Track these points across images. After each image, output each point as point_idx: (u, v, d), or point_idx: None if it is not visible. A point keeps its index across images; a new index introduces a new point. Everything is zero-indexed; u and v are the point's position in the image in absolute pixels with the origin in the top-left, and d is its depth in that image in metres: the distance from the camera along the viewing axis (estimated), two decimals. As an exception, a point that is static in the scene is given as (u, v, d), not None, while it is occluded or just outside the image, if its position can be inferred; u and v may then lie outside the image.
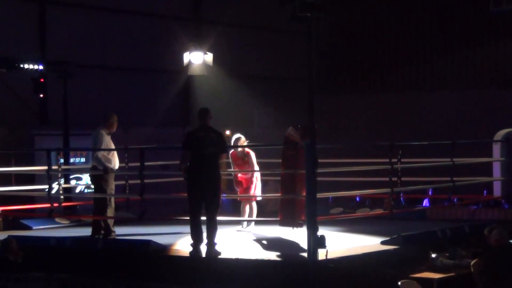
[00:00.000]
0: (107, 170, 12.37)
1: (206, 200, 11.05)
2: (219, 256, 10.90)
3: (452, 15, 24.29)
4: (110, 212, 12.57)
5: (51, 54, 19.56)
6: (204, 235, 11.04)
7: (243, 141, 13.21)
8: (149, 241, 11.61)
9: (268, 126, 23.16)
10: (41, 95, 17.86)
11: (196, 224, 11.05)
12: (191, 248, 11.01)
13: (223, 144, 11.37)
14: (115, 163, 12.58)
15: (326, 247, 9.99)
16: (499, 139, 16.10)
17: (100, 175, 12.47)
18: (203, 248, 10.99)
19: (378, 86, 24.93)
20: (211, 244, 10.96)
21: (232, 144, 13.06)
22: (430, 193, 17.84)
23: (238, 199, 13.72)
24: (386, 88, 24.76)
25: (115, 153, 12.64)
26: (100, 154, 12.44)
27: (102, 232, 12.51)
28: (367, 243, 12.02)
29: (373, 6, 25.14)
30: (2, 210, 14.70)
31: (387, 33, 25.09)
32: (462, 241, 12.21)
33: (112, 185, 12.56)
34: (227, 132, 22.45)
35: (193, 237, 11.04)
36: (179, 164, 11.30)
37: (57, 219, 15.01)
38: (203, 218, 11.08)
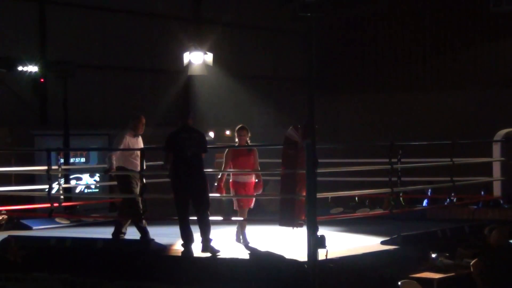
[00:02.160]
0: (108, 169, 12.33)
1: (195, 200, 11.06)
2: (219, 256, 10.91)
3: (452, 15, 24.29)
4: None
5: (51, 54, 19.58)
6: (196, 235, 11.06)
7: (247, 131, 12.02)
8: (149, 241, 11.61)
9: (268, 126, 23.16)
10: (41, 95, 17.86)
11: (185, 224, 11.06)
12: (182, 248, 11.05)
13: (205, 144, 11.25)
14: (137, 165, 12.21)
15: (326, 247, 9.98)
16: (499, 139, 16.09)
17: (123, 176, 12.32)
18: (195, 248, 11.01)
19: (377, 86, 24.93)
20: (207, 241, 10.96)
21: (236, 132, 12.07)
22: (429, 193, 17.85)
23: (240, 206, 11.99)
24: (385, 88, 24.76)
25: (138, 154, 12.25)
26: (114, 154, 12.35)
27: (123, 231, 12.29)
28: (367, 243, 12.03)
29: (373, 6, 25.14)
30: (6, 211, 14.71)
31: (387, 33, 25.10)
32: (462, 241, 12.22)
33: (136, 187, 12.20)
34: (227, 132, 22.49)
35: (183, 238, 11.07)
36: (164, 165, 11.27)
37: (57, 219, 15.03)
38: (192, 218, 11.11)
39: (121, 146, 12.23)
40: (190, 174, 11.01)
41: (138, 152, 12.27)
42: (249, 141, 12.10)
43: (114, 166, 12.40)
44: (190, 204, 11.13)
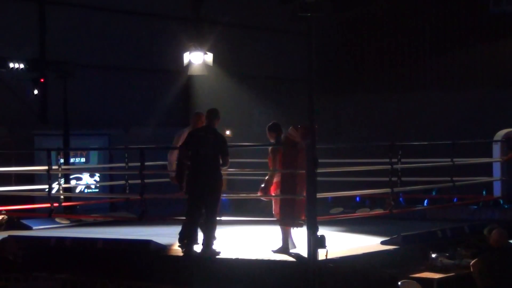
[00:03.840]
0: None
1: (205, 200, 11.06)
2: (219, 256, 10.91)
3: (452, 15, 24.28)
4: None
5: (51, 54, 19.57)
6: (201, 235, 11.06)
7: (274, 130, 11.45)
8: (149, 241, 11.61)
9: (268, 126, 23.11)
10: (41, 95, 17.87)
11: (192, 223, 11.05)
12: (183, 248, 11.04)
13: (222, 146, 11.18)
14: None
15: (326, 247, 10.00)
16: (499, 139, 16.10)
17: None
18: (197, 249, 11.00)
19: (377, 86, 24.92)
20: (208, 244, 10.95)
21: (267, 130, 11.48)
22: (433, 193, 17.83)
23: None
24: (385, 88, 24.75)
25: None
26: (171, 155, 12.12)
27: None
28: (367, 243, 12.03)
29: (373, 6, 25.13)
30: (6, 211, 14.72)
31: (387, 33, 25.08)
32: (462, 241, 12.22)
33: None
34: (227, 132, 22.48)
35: (187, 237, 11.05)
36: (180, 159, 11.24)
37: (57, 219, 15.03)
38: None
39: (180, 143, 12.05)
40: (203, 173, 10.99)
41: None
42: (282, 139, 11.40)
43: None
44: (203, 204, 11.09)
